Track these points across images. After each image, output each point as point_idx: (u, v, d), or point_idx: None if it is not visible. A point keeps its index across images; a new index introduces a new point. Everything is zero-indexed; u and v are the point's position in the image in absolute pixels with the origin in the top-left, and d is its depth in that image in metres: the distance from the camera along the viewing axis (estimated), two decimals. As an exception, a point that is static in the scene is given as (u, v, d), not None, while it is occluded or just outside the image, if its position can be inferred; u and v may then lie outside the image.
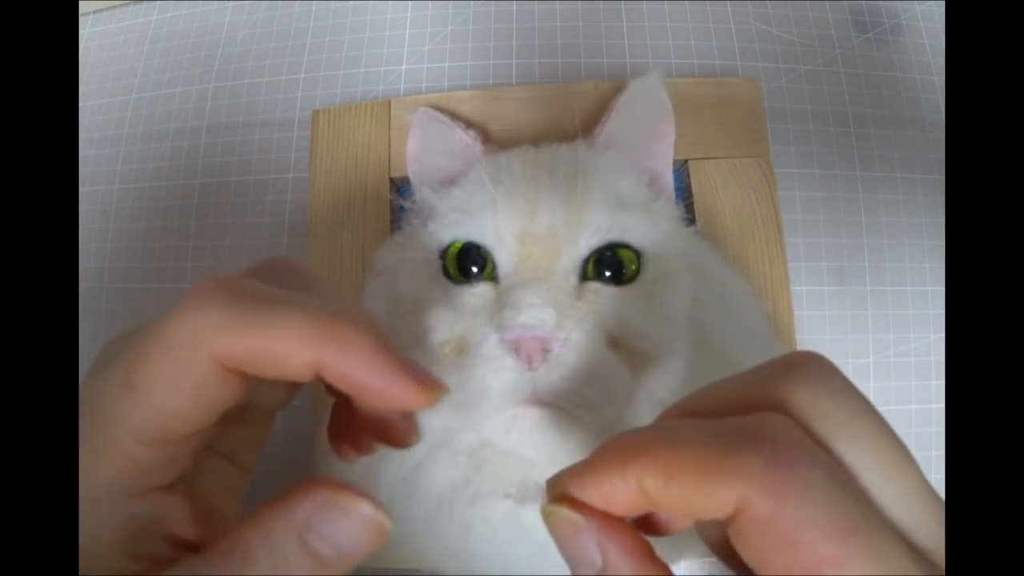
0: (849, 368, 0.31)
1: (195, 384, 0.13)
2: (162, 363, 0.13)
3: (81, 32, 0.41)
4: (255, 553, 0.13)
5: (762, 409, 0.13)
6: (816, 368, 0.13)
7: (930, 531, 0.12)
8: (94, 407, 0.14)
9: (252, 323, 0.13)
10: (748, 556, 0.12)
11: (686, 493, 0.12)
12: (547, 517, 0.14)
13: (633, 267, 0.25)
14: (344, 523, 0.13)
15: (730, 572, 0.15)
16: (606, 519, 0.13)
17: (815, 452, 0.12)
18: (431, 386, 0.14)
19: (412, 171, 0.31)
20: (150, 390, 0.13)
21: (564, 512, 0.13)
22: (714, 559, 0.30)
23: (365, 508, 0.13)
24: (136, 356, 0.13)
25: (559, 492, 0.14)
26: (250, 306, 0.13)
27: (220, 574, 0.13)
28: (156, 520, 0.15)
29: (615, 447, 0.13)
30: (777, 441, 0.12)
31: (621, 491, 0.13)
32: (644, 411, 0.24)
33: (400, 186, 0.33)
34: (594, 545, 0.13)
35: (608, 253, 0.25)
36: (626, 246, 0.25)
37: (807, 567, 0.11)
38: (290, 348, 0.13)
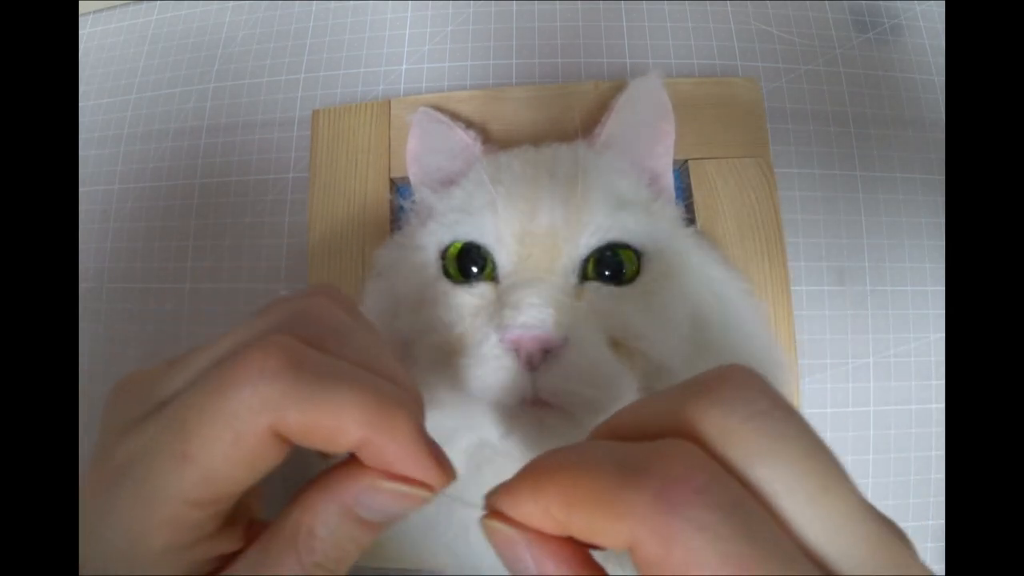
0: (849, 368, 0.31)
1: (253, 454, 0.14)
2: (221, 435, 0.13)
3: (81, 32, 0.41)
4: (318, 534, 0.14)
5: (674, 432, 0.13)
6: (736, 387, 0.13)
7: (861, 560, 0.11)
8: (137, 475, 0.14)
9: (313, 401, 0.14)
10: None
11: (586, 524, 0.12)
12: (484, 529, 0.15)
13: (633, 267, 0.25)
14: (388, 497, 0.15)
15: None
16: (538, 532, 0.13)
17: (710, 488, 0.11)
18: (448, 472, 0.15)
19: (412, 171, 0.31)
20: (206, 461, 0.13)
21: (497, 526, 0.14)
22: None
23: (405, 488, 0.15)
24: (191, 427, 0.13)
25: (491, 507, 0.14)
26: (311, 382, 0.14)
27: (295, 559, 0.14)
28: (211, 554, 0.15)
29: (531, 470, 0.14)
30: (669, 476, 0.11)
31: (535, 514, 0.13)
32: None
33: (400, 186, 0.33)
34: (527, 555, 0.14)
35: (608, 253, 0.24)
36: (626, 246, 0.25)
37: None
38: (345, 428, 0.14)
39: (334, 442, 0.14)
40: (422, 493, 0.15)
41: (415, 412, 0.15)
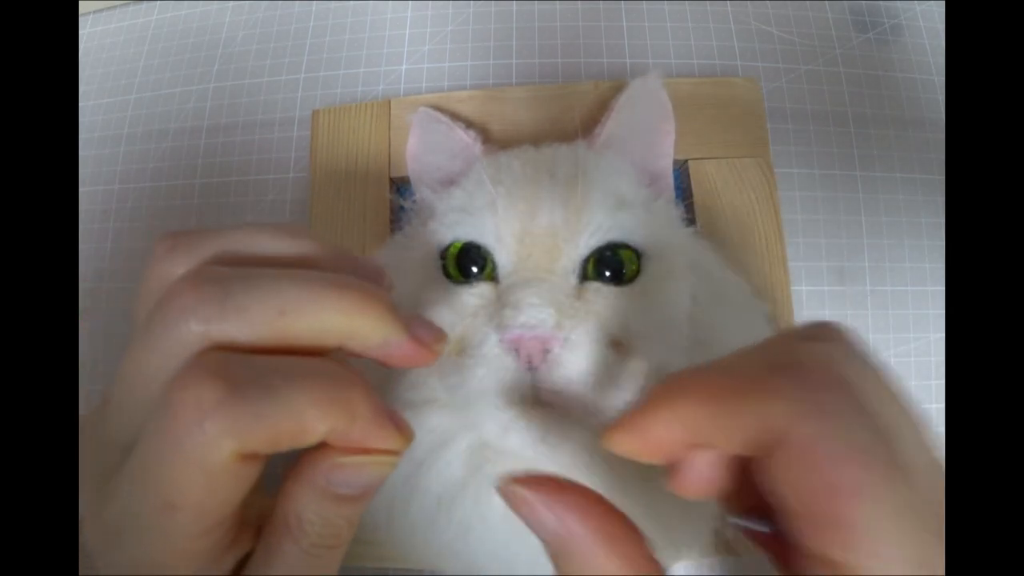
0: (849, 368, 0.31)
1: (230, 480, 0.14)
2: (191, 477, 0.13)
3: (81, 32, 0.41)
4: (306, 518, 0.15)
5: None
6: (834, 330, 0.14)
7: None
8: (133, 534, 0.14)
9: (267, 416, 0.13)
10: (780, 485, 0.12)
11: (733, 413, 0.13)
12: (503, 495, 0.16)
13: (633, 267, 0.25)
14: (355, 471, 0.15)
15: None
16: (551, 486, 0.15)
17: (848, 380, 0.12)
18: (407, 433, 0.16)
19: (412, 171, 0.31)
20: (190, 502, 0.13)
21: (515, 488, 0.15)
22: (715, 559, 0.30)
23: (367, 459, 0.15)
24: (161, 479, 0.13)
25: (617, 438, 0.15)
26: (257, 399, 0.13)
27: (294, 546, 0.15)
28: (236, 558, 0.16)
29: (665, 387, 0.14)
30: (813, 366, 0.13)
31: (669, 428, 0.14)
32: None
33: (400, 186, 0.33)
34: (547, 512, 0.15)
35: (608, 253, 0.24)
36: (626, 246, 0.25)
37: (838, 491, 0.11)
38: (308, 428, 0.14)
39: (302, 442, 0.14)
40: (386, 459, 0.15)
41: (367, 386, 0.15)
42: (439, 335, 0.17)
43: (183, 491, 0.13)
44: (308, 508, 0.15)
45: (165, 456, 0.13)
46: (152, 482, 0.13)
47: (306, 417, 0.14)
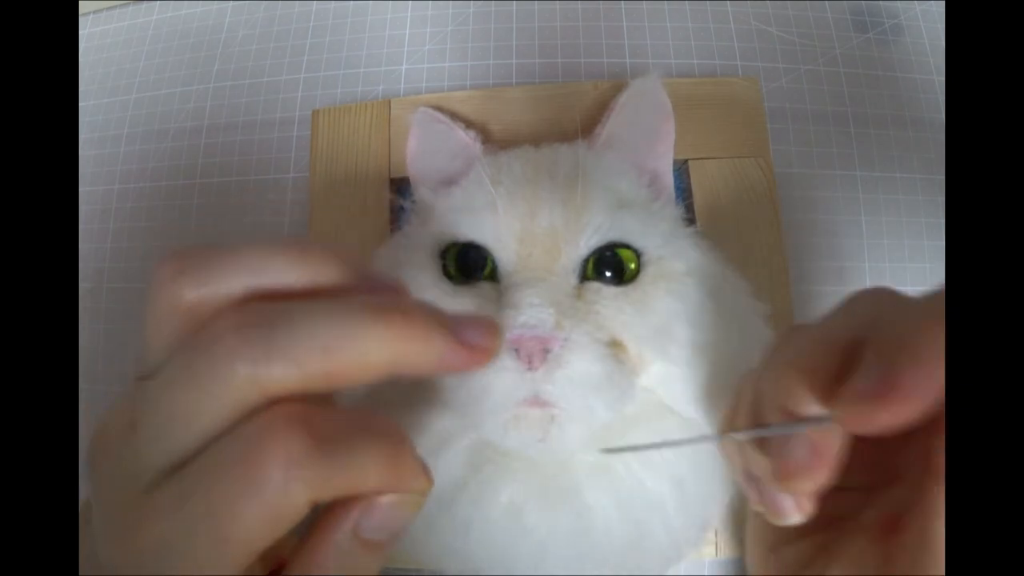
0: (849, 368, 0.31)
1: (291, 521, 0.14)
2: (259, 517, 0.13)
3: (81, 32, 0.41)
4: (328, 564, 0.15)
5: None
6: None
7: None
8: (176, 558, 0.14)
9: (341, 473, 0.14)
10: None
11: None
12: None
13: (633, 267, 0.25)
14: (386, 511, 0.15)
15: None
16: None
17: None
18: (431, 476, 0.16)
19: (412, 171, 0.31)
20: (247, 539, 0.13)
21: None
22: (715, 559, 0.29)
23: (399, 498, 0.15)
24: (226, 514, 0.13)
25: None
26: (335, 454, 0.14)
27: None
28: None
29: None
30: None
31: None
32: (643, 411, 0.24)
33: (400, 186, 0.33)
34: None
35: (608, 253, 0.24)
36: (626, 246, 0.25)
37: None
38: (369, 483, 0.15)
39: (355, 493, 0.15)
40: (415, 498, 0.16)
41: (411, 442, 0.16)
42: (492, 332, 0.16)
43: (247, 530, 0.13)
44: (335, 560, 0.15)
45: (238, 497, 0.13)
46: (215, 519, 0.13)
47: (370, 473, 0.14)
